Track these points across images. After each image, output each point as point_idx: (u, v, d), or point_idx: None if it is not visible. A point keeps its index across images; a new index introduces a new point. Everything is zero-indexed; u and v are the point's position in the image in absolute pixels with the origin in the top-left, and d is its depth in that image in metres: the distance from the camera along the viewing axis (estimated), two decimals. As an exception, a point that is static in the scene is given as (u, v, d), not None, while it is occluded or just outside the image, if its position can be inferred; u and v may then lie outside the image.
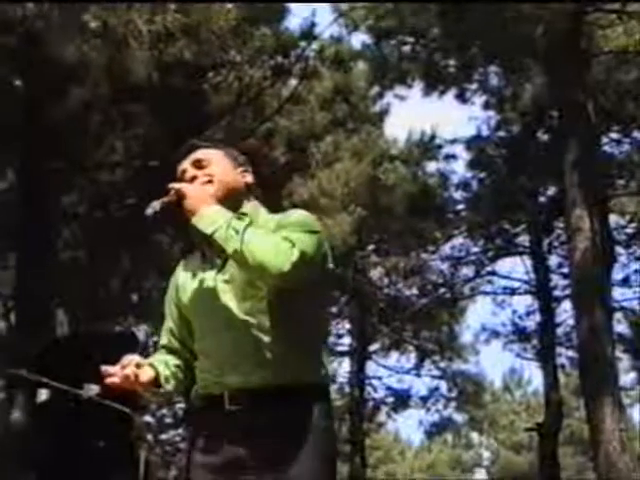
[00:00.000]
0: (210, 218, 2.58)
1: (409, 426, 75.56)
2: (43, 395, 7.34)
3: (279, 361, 2.56)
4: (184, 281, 2.79)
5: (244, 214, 2.68)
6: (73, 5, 9.54)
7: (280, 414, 2.52)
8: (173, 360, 2.80)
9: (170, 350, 2.84)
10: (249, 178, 2.84)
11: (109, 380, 2.59)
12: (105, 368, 2.60)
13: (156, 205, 2.62)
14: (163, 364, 2.76)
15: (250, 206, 2.77)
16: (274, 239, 2.55)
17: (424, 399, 24.36)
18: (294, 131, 14.21)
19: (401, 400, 24.00)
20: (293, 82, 13.98)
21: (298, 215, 2.68)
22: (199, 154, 2.84)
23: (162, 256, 13.97)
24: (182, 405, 23.30)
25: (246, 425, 2.53)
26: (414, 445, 42.59)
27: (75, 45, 9.35)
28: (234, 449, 2.53)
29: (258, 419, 2.52)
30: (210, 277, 2.69)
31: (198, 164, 2.80)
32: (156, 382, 2.71)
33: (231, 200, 2.71)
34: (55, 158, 10.93)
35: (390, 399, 24.20)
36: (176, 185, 2.67)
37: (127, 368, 2.60)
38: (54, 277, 11.09)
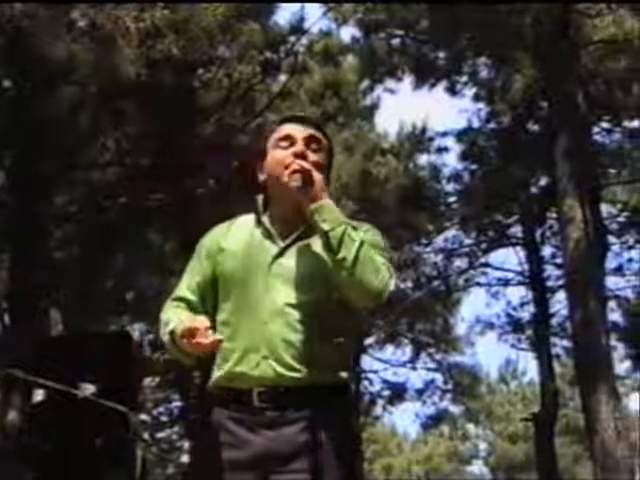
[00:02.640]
0: (332, 214, 2.52)
1: (405, 419, 75.60)
2: (39, 395, 7.32)
3: (319, 360, 2.51)
4: (234, 247, 2.66)
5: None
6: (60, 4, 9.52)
7: (312, 412, 2.47)
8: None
9: (190, 305, 2.68)
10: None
11: (198, 340, 2.39)
12: (190, 326, 2.42)
13: (299, 179, 2.53)
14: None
15: None
16: (380, 264, 2.52)
17: (420, 392, 24.37)
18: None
19: (397, 393, 24.01)
20: (283, 77, 13.98)
21: (379, 237, 2.66)
22: (316, 133, 2.69)
23: (155, 254, 13.96)
24: (178, 403, 23.30)
25: (275, 422, 2.47)
26: (411, 438, 42.65)
27: (63, 44, 9.33)
28: (262, 446, 2.46)
29: (288, 417, 2.47)
30: (269, 256, 2.59)
31: (311, 142, 2.67)
32: None
33: None
34: (46, 158, 10.90)
35: (386, 392, 24.21)
36: (306, 165, 2.56)
37: (211, 333, 2.41)
38: (47, 277, 11.08)
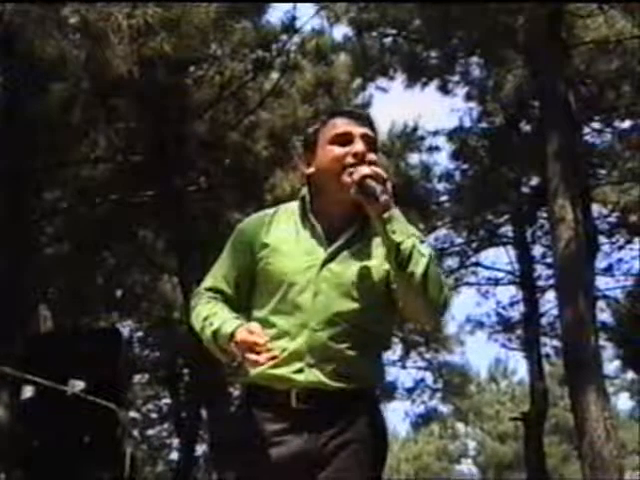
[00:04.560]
0: (400, 224, 2.41)
1: (395, 417, 75.78)
2: (28, 392, 7.31)
3: (360, 368, 2.47)
4: (280, 244, 2.55)
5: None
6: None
7: (349, 415, 2.45)
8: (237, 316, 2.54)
9: (225, 297, 2.60)
10: None
11: (257, 358, 2.31)
12: (249, 339, 2.32)
13: (378, 188, 2.40)
14: None
15: None
16: (444, 280, 2.45)
17: (410, 391, 24.44)
18: (276, 124, 14.19)
19: (387, 392, 24.03)
20: (275, 75, 13.98)
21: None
22: (370, 131, 2.59)
23: (146, 251, 13.96)
24: (167, 400, 23.28)
25: (312, 423, 2.43)
26: (400, 436, 42.68)
27: (55, 41, 9.32)
28: (299, 446, 2.42)
29: (325, 418, 2.43)
30: (318, 259, 2.50)
31: (367, 141, 2.56)
32: None
33: None
34: (37, 154, 10.89)
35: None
36: (380, 172, 2.44)
37: (268, 347, 2.33)
38: (38, 273, 11.06)
